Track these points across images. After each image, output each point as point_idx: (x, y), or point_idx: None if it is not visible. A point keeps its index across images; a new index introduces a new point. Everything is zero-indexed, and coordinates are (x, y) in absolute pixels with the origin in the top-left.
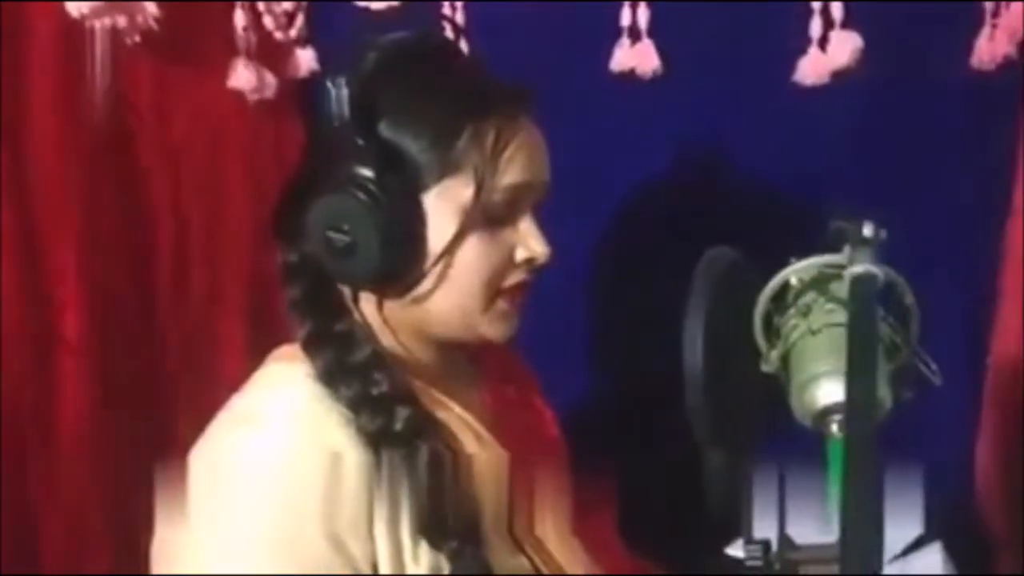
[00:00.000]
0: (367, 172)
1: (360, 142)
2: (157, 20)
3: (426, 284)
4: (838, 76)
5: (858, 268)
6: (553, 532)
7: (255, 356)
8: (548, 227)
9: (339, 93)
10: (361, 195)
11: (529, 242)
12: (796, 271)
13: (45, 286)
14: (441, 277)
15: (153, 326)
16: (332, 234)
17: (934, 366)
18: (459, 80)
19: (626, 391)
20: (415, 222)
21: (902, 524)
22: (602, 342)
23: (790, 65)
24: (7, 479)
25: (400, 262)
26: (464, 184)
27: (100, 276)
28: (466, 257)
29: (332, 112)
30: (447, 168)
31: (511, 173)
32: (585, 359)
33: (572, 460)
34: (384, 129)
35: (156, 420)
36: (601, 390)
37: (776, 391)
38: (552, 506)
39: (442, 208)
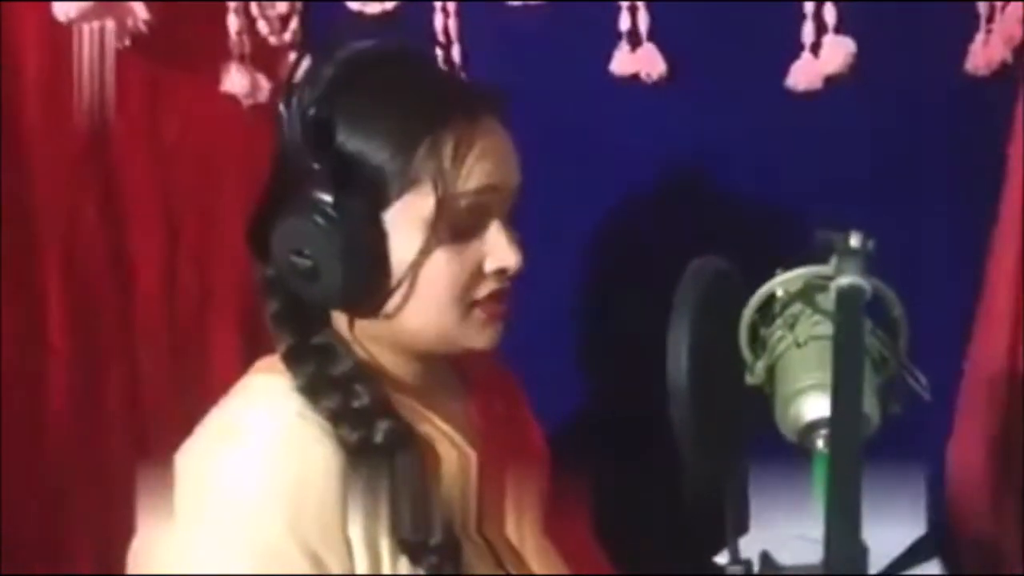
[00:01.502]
0: (324, 195)
1: (315, 165)
2: (147, 23)
3: (394, 302)
4: (831, 81)
5: (844, 280)
6: (531, 543)
7: (248, 361)
8: (544, 234)
9: (291, 115)
10: (319, 219)
11: (498, 252)
12: (782, 282)
13: (31, 290)
14: (409, 294)
15: (142, 332)
16: (294, 258)
17: (923, 380)
18: (417, 90)
19: (620, 398)
20: (376, 242)
21: (901, 533)
22: (597, 349)
23: (782, 70)
24: None
25: (364, 283)
26: (425, 196)
27: (87, 281)
28: (432, 273)
29: (286, 135)
30: (407, 182)
31: (474, 179)
32: (579, 366)
33: (555, 468)
34: (343, 143)
35: (143, 426)
36: (593, 397)
37: (761, 403)
38: (530, 516)
39: (405, 224)
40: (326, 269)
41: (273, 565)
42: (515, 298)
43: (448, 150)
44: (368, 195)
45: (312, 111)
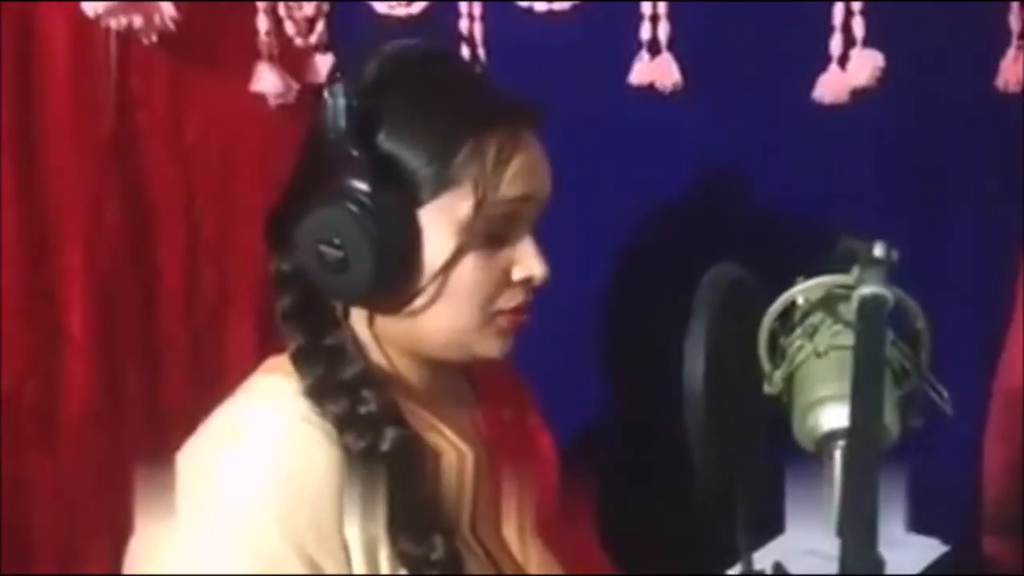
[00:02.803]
0: (362, 185)
1: (356, 154)
2: (175, 22)
3: (420, 302)
4: (858, 95)
5: (867, 289)
6: (530, 548)
7: (265, 360)
8: (563, 241)
9: (336, 104)
10: (355, 209)
11: (527, 261)
12: (803, 290)
13: (51, 282)
14: (436, 296)
15: (161, 328)
16: (324, 248)
17: (945, 393)
18: (461, 93)
19: (637, 406)
20: (410, 238)
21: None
22: (616, 357)
23: (810, 83)
24: (5, 475)
25: (393, 279)
26: (463, 198)
27: (108, 275)
28: (462, 276)
29: (328, 123)
30: (445, 182)
31: (513, 186)
32: (598, 373)
33: (565, 475)
34: (382, 141)
35: (162, 421)
36: (612, 405)
37: (779, 413)
38: (530, 522)
39: (439, 224)
40: (356, 261)
41: (268, 570)
42: (533, 306)
43: (491, 155)
44: (404, 191)
45: (356, 102)
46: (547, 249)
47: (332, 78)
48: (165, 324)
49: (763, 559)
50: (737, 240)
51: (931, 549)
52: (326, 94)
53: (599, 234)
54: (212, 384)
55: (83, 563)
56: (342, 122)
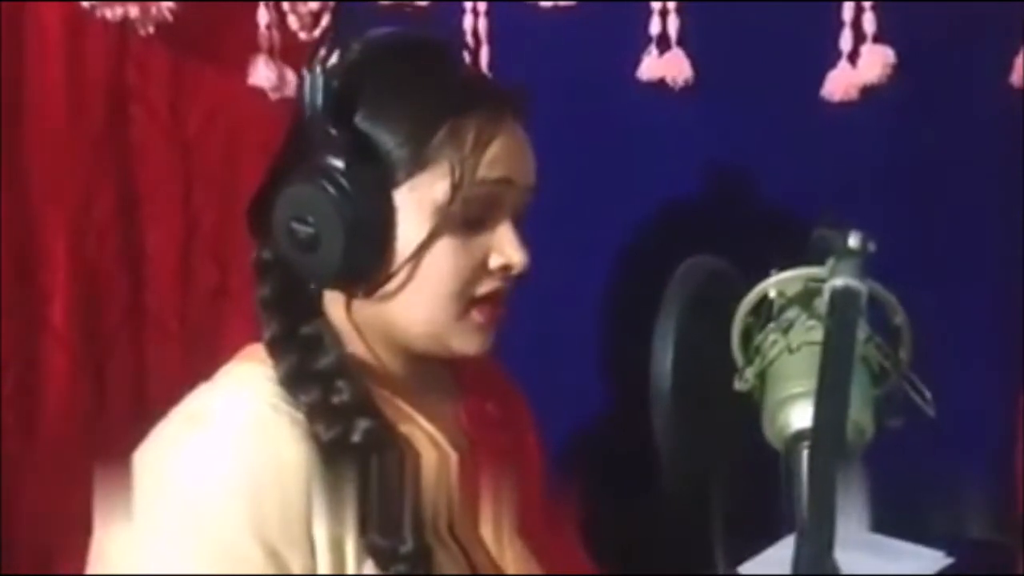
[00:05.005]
0: (336, 163)
1: (332, 132)
2: (173, 13)
3: (392, 286)
4: (867, 92)
5: (838, 281)
6: (508, 547)
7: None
8: (567, 240)
9: (314, 82)
10: (328, 186)
11: (505, 248)
12: (776, 283)
13: (33, 271)
14: (409, 280)
15: (153, 320)
16: (296, 225)
17: (927, 393)
18: (442, 76)
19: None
20: (383, 217)
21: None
22: (617, 357)
23: (819, 79)
24: None
25: (364, 259)
26: (439, 180)
27: (95, 266)
28: (436, 260)
29: (306, 101)
30: (421, 163)
31: (492, 169)
32: (599, 374)
33: (553, 476)
34: (360, 121)
35: (152, 416)
36: (616, 406)
37: (753, 412)
38: (509, 520)
39: (414, 205)
40: (327, 239)
41: (231, 559)
42: (534, 305)
43: (470, 138)
44: (379, 171)
45: (335, 82)
46: (550, 246)
47: (312, 58)
48: (157, 316)
49: (755, 567)
50: (744, 238)
51: (934, 561)
52: (304, 72)
53: (605, 231)
54: (206, 378)
55: (61, 559)
56: (319, 100)
